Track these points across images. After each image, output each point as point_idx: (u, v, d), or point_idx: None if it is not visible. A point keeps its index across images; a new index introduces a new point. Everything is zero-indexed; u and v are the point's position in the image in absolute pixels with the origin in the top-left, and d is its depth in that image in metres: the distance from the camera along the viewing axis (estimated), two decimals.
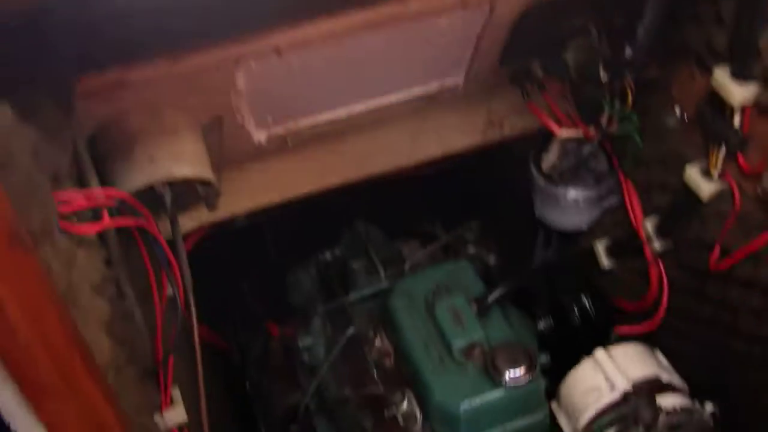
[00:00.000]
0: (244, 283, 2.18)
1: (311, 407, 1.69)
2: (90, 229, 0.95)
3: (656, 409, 1.44)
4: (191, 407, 1.43)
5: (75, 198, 0.92)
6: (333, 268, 1.94)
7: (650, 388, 1.51)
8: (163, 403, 1.22)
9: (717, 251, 1.36)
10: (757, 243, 1.27)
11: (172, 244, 1.28)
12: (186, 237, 1.56)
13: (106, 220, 1.00)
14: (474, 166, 1.96)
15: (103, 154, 1.15)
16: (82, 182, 1.03)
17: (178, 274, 1.21)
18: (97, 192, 1.00)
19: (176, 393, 1.26)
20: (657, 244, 1.54)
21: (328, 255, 1.92)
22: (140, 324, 1.17)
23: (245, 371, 2.12)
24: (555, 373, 1.64)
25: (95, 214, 1.00)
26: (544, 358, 1.64)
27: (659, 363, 1.59)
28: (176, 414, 1.23)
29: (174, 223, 1.25)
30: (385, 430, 1.59)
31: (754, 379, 1.41)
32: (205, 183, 1.26)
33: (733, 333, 1.42)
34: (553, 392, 1.64)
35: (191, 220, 1.54)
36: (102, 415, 0.84)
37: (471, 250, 1.98)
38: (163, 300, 1.24)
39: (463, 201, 2.43)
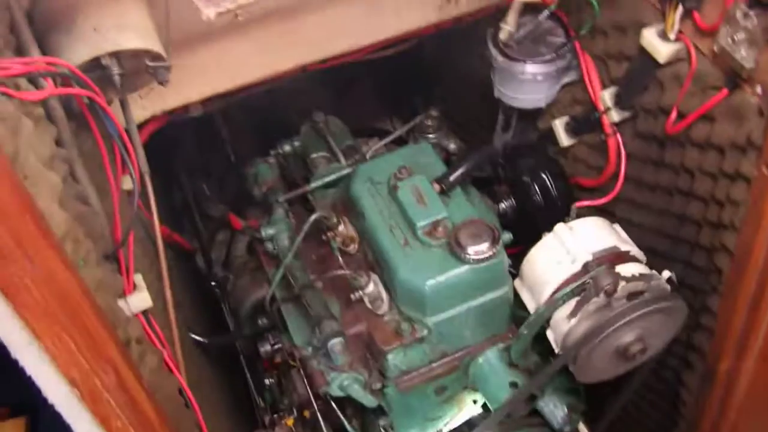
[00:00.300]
0: (203, 177, 2.16)
1: (278, 297, 1.69)
2: (33, 96, 0.91)
3: (616, 277, 1.47)
4: (157, 298, 1.43)
5: (12, 64, 0.87)
6: (293, 159, 1.91)
7: (610, 258, 1.54)
8: (126, 289, 1.21)
9: (674, 114, 1.37)
10: (712, 102, 1.27)
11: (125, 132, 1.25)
12: (139, 128, 1.52)
13: (51, 88, 0.95)
14: (432, 49, 1.93)
15: (43, 27, 1.09)
16: (21, 53, 0.98)
17: (132, 155, 1.18)
18: (38, 59, 0.95)
19: (139, 279, 1.25)
20: (615, 115, 1.54)
21: (287, 147, 1.89)
22: (96, 207, 1.15)
23: (210, 270, 2.12)
24: (517, 254, 1.66)
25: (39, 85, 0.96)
26: (506, 237, 1.65)
27: (618, 235, 1.61)
28: (140, 299, 1.22)
29: (125, 105, 1.20)
30: (353, 312, 1.61)
31: (709, 241, 1.44)
32: (154, 57, 1.21)
33: (689, 197, 1.45)
34: (516, 272, 1.67)
35: (143, 110, 1.50)
36: (62, 282, 0.83)
37: (431, 137, 1.97)
38: (118, 182, 1.20)
39: (422, 89, 2.41)
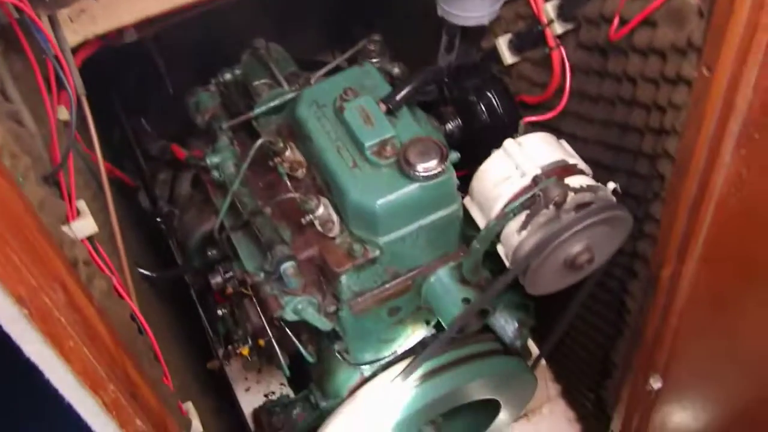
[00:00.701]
0: (141, 113, 2.10)
1: (227, 225, 1.67)
2: None
3: (565, 188, 1.49)
4: (102, 228, 1.39)
5: None
6: (234, 88, 1.86)
7: (558, 171, 1.56)
8: (69, 215, 1.17)
9: (616, 21, 1.37)
10: (653, 6, 1.28)
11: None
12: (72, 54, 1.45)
13: None
14: None
15: None
16: None
17: (68, 72, 1.12)
18: None
19: (82, 204, 1.21)
20: (558, 27, 1.54)
21: (228, 75, 1.84)
22: (32, 129, 1.10)
23: (154, 207, 2.08)
24: (466, 177, 1.67)
25: None
26: (454, 156, 1.65)
27: (564, 149, 1.63)
28: (85, 225, 1.18)
29: (55, 22, 1.15)
30: (304, 237, 1.60)
31: (651, 148, 1.47)
32: None
33: (632, 106, 1.47)
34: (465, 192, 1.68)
35: (75, 34, 1.43)
36: (2, 195, 0.79)
37: (374, 62, 1.93)
38: (54, 105, 1.15)
39: (364, 18, 2.37)
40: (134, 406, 1.08)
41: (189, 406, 1.43)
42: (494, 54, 1.79)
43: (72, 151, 1.19)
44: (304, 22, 2.47)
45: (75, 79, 1.17)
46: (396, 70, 1.91)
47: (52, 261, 0.87)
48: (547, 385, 2.48)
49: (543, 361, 2.31)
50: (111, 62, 2.00)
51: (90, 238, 1.21)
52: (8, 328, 0.89)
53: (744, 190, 1.33)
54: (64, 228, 1.16)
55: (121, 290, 1.20)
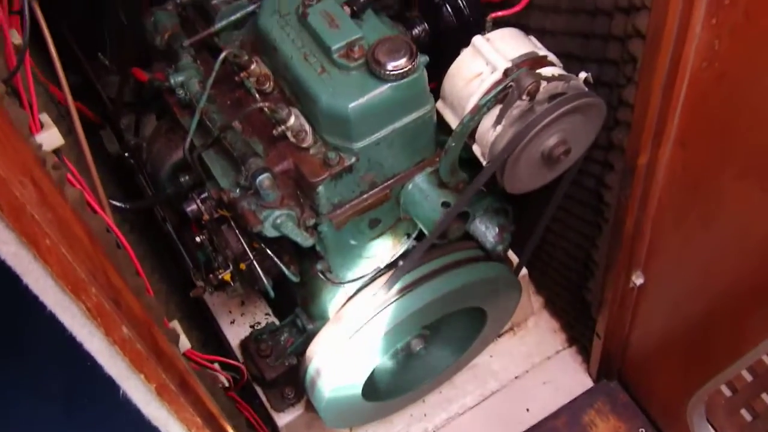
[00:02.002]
0: (98, 48, 2.03)
1: (197, 145, 1.63)
2: None
3: (537, 77, 1.47)
4: (70, 149, 1.35)
5: None
6: (191, 9, 1.80)
7: (529, 63, 1.54)
8: (33, 127, 1.13)
9: None
10: None
11: None
12: None
13: None
14: None
15: None
16: None
17: None
18: None
19: (45, 118, 1.17)
20: None
21: None
22: None
23: (121, 141, 2.02)
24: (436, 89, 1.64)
25: None
26: (423, 59, 1.62)
27: (533, 43, 1.62)
28: (51, 136, 1.14)
29: None
30: (277, 150, 1.57)
31: (622, 29, 1.46)
32: None
33: None
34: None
35: None
36: None
37: None
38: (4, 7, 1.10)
39: None
40: (118, 312, 1.06)
41: (175, 324, 1.41)
42: None
43: (29, 65, 1.14)
44: None
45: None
46: None
47: (20, 152, 0.83)
48: (530, 299, 2.51)
49: (526, 275, 2.32)
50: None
51: (56, 152, 1.17)
52: None
53: (716, 63, 1.32)
54: (30, 141, 1.11)
55: (94, 204, 1.16)
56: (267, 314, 2.25)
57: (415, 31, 1.73)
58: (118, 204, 1.74)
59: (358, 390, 1.94)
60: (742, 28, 1.23)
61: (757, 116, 1.30)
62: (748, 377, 2.15)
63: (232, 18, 1.64)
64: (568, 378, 2.39)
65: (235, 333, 2.18)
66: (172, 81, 1.60)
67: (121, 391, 1.19)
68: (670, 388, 2.10)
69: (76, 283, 0.97)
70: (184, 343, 1.39)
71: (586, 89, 1.55)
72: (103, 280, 1.02)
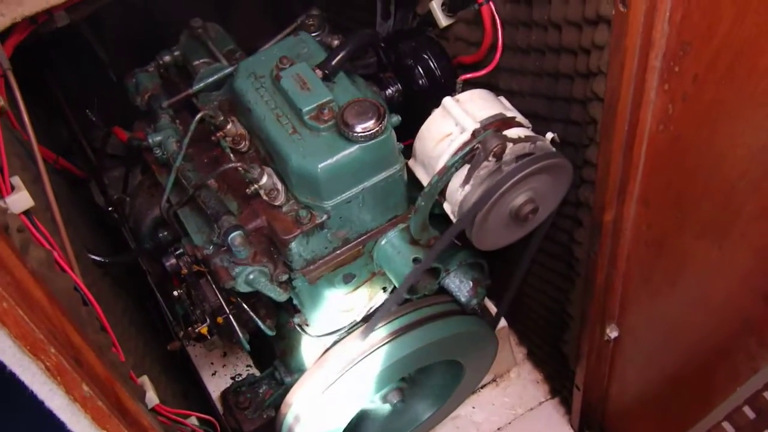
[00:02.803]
0: (85, 103, 2.09)
1: (173, 203, 1.67)
2: None
3: (503, 139, 1.52)
4: (44, 209, 1.39)
5: None
6: (174, 70, 1.87)
7: (497, 124, 1.59)
8: (3, 190, 1.17)
9: None
10: None
11: None
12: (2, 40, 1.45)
13: None
14: None
15: None
16: None
17: None
18: None
19: (17, 180, 1.21)
20: None
21: (167, 57, 1.84)
22: None
23: (105, 196, 2.07)
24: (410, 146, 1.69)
25: None
26: (395, 120, 1.67)
27: (503, 104, 1.67)
28: (20, 199, 1.18)
29: None
30: (251, 208, 1.61)
31: (582, 93, 1.51)
32: None
33: (559, 52, 1.51)
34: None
35: (1, 17, 1.43)
36: None
37: (315, 35, 1.94)
38: None
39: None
40: (79, 371, 1.08)
41: (144, 380, 1.43)
42: (430, 18, 1.81)
43: (2, 129, 1.19)
44: (245, 3, 2.48)
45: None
46: (336, 42, 1.92)
47: None
48: (512, 350, 2.52)
49: (506, 327, 2.34)
50: (49, 53, 2.00)
51: (27, 213, 1.21)
52: None
53: (671, 126, 1.37)
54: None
55: (62, 263, 1.20)
56: (248, 366, 2.26)
57: (389, 92, 1.78)
58: (97, 258, 1.78)
59: None
60: (692, 94, 1.28)
61: (709, 179, 1.33)
62: (731, 429, 2.14)
63: (210, 80, 1.70)
64: (551, 430, 2.39)
65: (216, 384, 2.20)
66: (150, 141, 1.65)
67: None
68: None
69: (34, 344, 1.00)
70: (152, 398, 1.40)
71: (553, 149, 1.60)
72: (63, 340, 1.05)
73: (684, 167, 1.39)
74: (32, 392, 1.08)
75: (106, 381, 1.15)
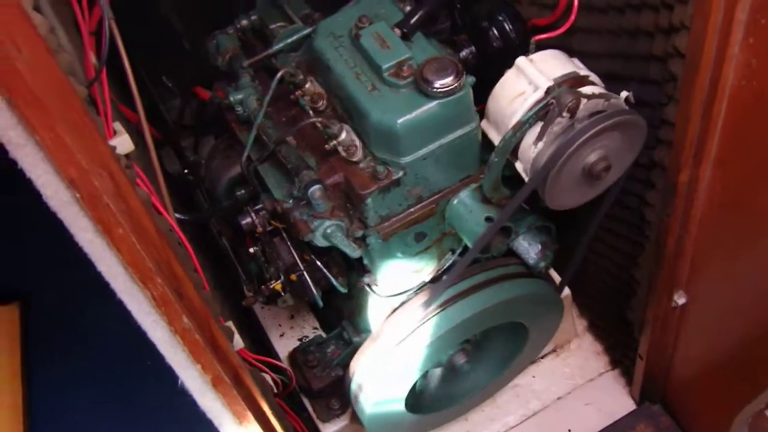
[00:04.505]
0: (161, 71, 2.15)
1: (253, 159, 1.72)
2: None
3: (578, 95, 1.53)
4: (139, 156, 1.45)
5: None
6: (251, 34, 1.92)
7: (571, 82, 1.60)
8: (107, 133, 1.23)
9: None
10: None
11: None
12: None
13: None
14: None
15: None
16: None
17: None
18: None
19: (118, 125, 1.27)
20: None
21: (244, 21, 1.89)
22: (64, 42, 1.15)
23: (181, 158, 2.14)
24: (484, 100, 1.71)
25: None
26: (470, 80, 1.69)
27: (576, 64, 1.67)
28: (123, 142, 1.24)
29: None
30: (329, 164, 1.66)
31: (663, 50, 1.51)
32: None
33: (640, 9, 1.51)
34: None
35: None
36: (47, 69, 0.85)
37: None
38: (86, 19, 1.21)
39: None
40: (180, 303, 1.14)
41: (230, 324, 1.49)
42: None
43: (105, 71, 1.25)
44: None
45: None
46: (408, 8, 1.95)
47: (99, 146, 0.92)
48: (573, 321, 2.53)
49: (570, 295, 2.35)
50: (127, 25, 2.06)
51: (127, 157, 1.27)
52: (62, 214, 0.96)
53: (754, 81, 1.36)
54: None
55: (159, 206, 1.26)
56: (315, 328, 2.32)
57: (463, 54, 1.80)
58: (178, 216, 1.84)
59: (401, 403, 1.99)
60: None
61: None
62: None
63: (289, 40, 1.74)
64: (610, 400, 2.39)
65: (284, 345, 2.26)
66: (231, 99, 1.70)
67: (179, 381, 1.27)
68: (714, 411, 2.09)
69: (144, 272, 1.06)
70: (238, 341, 1.46)
71: (627, 107, 1.60)
72: (167, 271, 1.11)
73: (766, 124, 1.39)
74: (137, 322, 1.15)
75: (203, 315, 1.20)
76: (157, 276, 1.07)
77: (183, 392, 1.29)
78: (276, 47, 1.74)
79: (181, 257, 1.25)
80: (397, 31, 1.62)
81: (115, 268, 1.04)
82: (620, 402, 2.40)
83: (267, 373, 1.70)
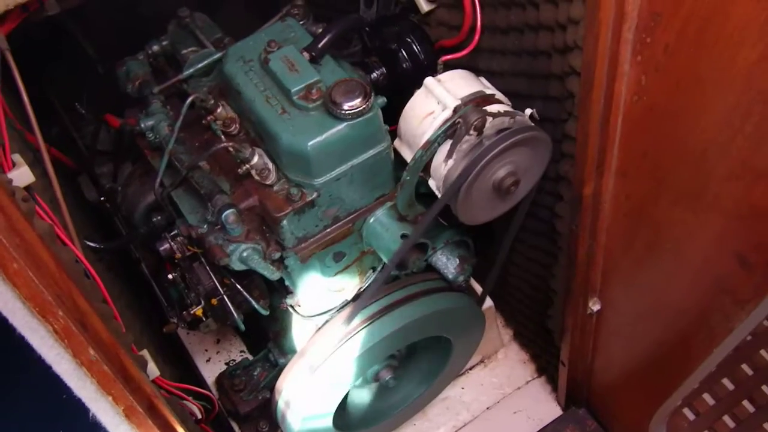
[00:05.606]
0: (74, 97, 2.13)
1: (167, 186, 1.72)
2: None
3: (483, 113, 1.58)
4: (43, 189, 1.43)
5: None
6: (163, 59, 1.91)
7: (477, 100, 1.65)
8: (5, 166, 1.21)
9: None
10: None
11: None
12: None
13: None
14: None
15: None
16: None
17: None
18: None
19: (17, 157, 1.25)
20: None
21: (155, 47, 1.89)
22: None
23: (97, 186, 2.11)
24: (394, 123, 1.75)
25: None
26: (380, 101, 1.72)
27: (482, 83, 1.73)
28: (22, 174, 1.22)
29: None
30: (243, 188, 1.66)
31: (560, 68, 1.57)
32: None
33: (537, 30, 1.57)
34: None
35: None
36: None
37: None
38: None
39: None
40: (85, 335, 1.13)
41: (144, 353, 1.47)
42: (412, 4, 1.87)
43: (1, 109, 1.23)
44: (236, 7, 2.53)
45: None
46: (320, 30, 1.97)
47: None
48: (499, 331, 2.58)
49: (492, 306, 2.40)
50: (39, 49, 2.03)
51: (28, 189, 1.25)
52: None
53: (645, 97, 1.43)
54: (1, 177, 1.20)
55: (63, 237, 1.24)
56: (242, 351, 2.31)
57: (374, 75, 1.84)
58: (92, 244, 1.82)
59: (329, 419, 1.99)
60: (664, 64, 1.34)
61: (682, 146, 1.40)
62: (711, 401, 2.21)
63: (200, 65, 1.75)
64: (538, 407, 2.45)
65: (211, 370, 2.24)
66: (142, 125, 1.69)
67: (90, 414, 1.25)
68: (635, 412, 2.16)
69: (43, 305, 1.04)
70: (153, 370, 1.45)
71: (531, 124, 1.66)
72: (69, 304, 1.09)
73: (658, 136, 1.46)
74: (40, 356, 1.13)
75: (111, 346, 1.19)
76: (58, 309, 1.06)
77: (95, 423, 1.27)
78: (187, 72, 1.75)
79: (86, 288, 1.23)
80: (306, 54, 1.64)
81: (13, 303, 1.02)
82: (547, 408, 2.46)
83: (187, 399, 1.68)
